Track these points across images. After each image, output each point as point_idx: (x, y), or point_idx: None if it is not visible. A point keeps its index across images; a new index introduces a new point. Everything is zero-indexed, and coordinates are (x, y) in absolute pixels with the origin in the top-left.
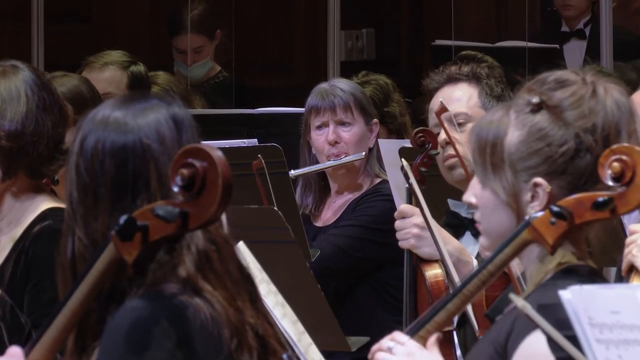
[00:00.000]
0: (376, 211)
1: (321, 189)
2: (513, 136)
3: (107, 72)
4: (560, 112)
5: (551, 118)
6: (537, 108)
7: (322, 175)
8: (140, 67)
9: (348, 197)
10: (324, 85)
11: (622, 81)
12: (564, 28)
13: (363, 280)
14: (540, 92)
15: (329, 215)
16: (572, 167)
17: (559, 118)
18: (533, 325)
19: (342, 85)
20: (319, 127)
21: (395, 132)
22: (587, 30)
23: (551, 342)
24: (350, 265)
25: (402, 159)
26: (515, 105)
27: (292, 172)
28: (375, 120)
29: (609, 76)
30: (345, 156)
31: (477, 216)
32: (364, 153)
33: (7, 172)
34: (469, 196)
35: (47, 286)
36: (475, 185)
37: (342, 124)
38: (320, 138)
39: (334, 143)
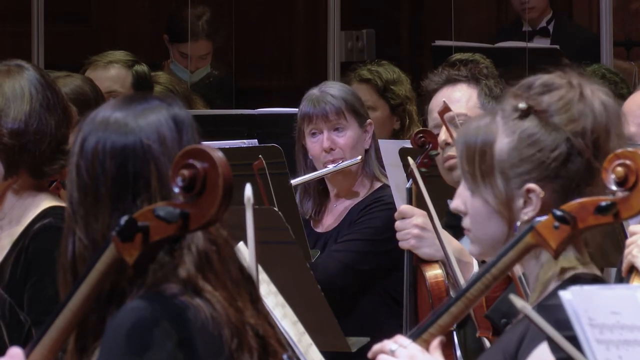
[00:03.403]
0: (379, 222)
1: (320, 194)
2: (503, 143)
3: (113, 70)
4: (549, 117)
5: (540, 123)
6: (525, 113)
7: (320, 180)
8: (143, 67)
9: (348, 202)
10: (314, 92)
11: None
12: (526, 27)
13: (369, 289)
14: (527, 97)
15: (330, 221)
16: (565, 171)
17: (548, 123)
18: (543, 335)
19: (332, 91)
20: (313, 134)
21: (395, 112)
22: (551, 27)
23: (551, 342)
24: (358, 279)
25: (409, 158)
26: (502, 111)
27: (292, 182)
28: (369, 120)
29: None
30: (342, 161)
31: (466, 223)
32: (359, 157)
33: (9, 170)
34: (458, 203)
35: (47, 284)
36: (463, 192)
37: (335, 129)
38: (315, 145)
39: (330, 150)
